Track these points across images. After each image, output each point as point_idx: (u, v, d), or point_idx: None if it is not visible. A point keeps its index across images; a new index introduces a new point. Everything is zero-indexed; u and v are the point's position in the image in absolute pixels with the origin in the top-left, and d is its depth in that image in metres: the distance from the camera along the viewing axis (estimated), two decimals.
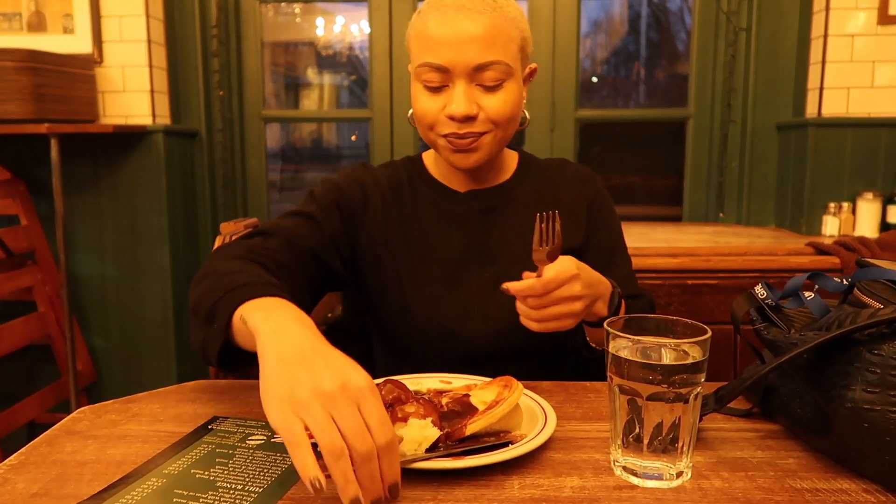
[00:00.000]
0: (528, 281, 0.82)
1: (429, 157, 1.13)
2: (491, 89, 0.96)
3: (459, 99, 0.95)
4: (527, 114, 1.07)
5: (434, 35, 0.94)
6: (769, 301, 0.81)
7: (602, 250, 1.11)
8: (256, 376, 1.09)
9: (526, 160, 1.15)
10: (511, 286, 0.82)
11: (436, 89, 0.97)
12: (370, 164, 1.14)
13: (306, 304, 1.01)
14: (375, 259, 1.07)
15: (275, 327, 0.65)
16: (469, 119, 0.96)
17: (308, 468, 0.54)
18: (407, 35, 1.02)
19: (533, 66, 1.05)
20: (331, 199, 1.05)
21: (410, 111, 1.04)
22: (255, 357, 0.65)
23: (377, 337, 1.15)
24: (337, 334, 1.26)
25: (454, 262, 1.06)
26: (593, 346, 0.99)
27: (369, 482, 0.56)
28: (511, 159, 1.13)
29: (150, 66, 2.32)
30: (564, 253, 1.04)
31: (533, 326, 0.84)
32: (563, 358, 1.10)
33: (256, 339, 0.65)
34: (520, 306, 0.84)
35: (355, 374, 0.59)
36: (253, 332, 0.67)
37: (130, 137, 2.33)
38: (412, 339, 1.06)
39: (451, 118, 0.96)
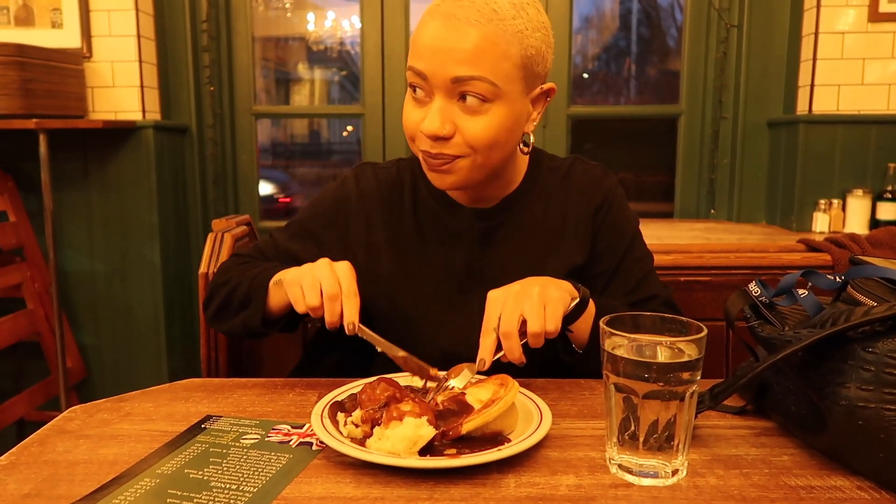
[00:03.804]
0: (483, 342, 0.82)
1: None
2: (472, 110, 0.89)
3: (433, 116, 0.89)
4: (531, 136, 0.98)
5: (421, 39, 0.89)
6: (763, 298, 0.81)
7: (611, 257, 1.05)
8: (250, 374, 1.09)
9: (536, 163, 1.07)
10: (484, 358, 0.82)
11: (420, 100, 0.92)
12: (367, 167, 1.09)
13: None
14: (365, 275, 1.01)
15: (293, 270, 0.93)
16: (441, 139, 0.90)
17: (299, 304, 0.88)
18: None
19: (547, 86, 0.96)
20: (309, 230, 1.08)
21: None
22: (284, 319, 1.00)
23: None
24: (334, 332, 1.24)
25: (454, 283, 1.03)
26: (573, 349, 0.96)
27: (330, 315, 0.85)
28: (521, 163, 1.06)
29: (140, 61, 2.30)
30: (569, 271, 1.03)
31: (533, 342, 0.82)
32: (566, 370, 1.03)
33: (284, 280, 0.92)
34: (507, 349, 0.82)
35: (340, 265, 0.89)
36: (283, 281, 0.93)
37: (120, 133, 2.31)
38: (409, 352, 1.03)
39: (424, 134, 0.90)
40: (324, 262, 0.89)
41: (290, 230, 1.10)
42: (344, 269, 0.88)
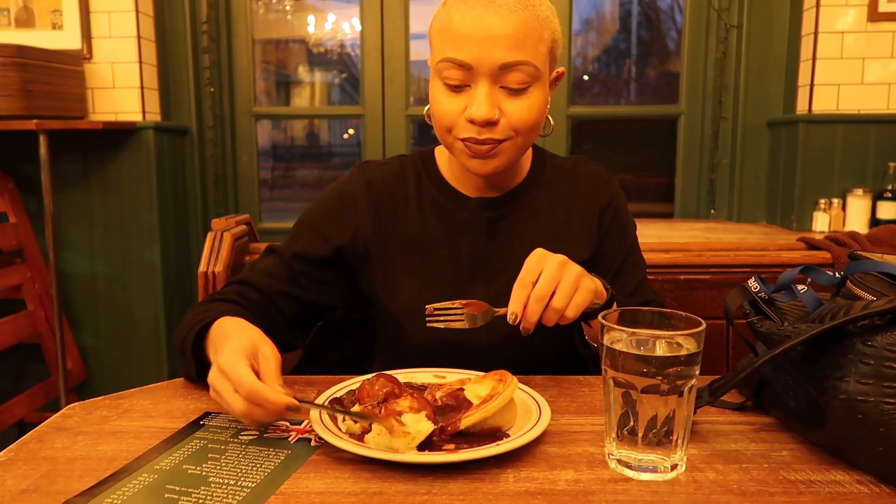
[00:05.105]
0: (518, 293, 0.82)
1: (441, 154, 1.07)
2: (515, 93, 0.91)
3: (481, 101, 0.90)
4: (551, 120, 1.00)
5: (459, 29, 0.89)
6: (762, 294, 0.81)
7: (614, 258, 1.07)
8: None
9: (540, 159, 1.09)
10: (517, 312, 0.82)
11: (457, 89, 0.92)
12: (370, 163, 1.09)
13: (281, 331, 1.01)
14: (372, 267, 1.04)
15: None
16: (490, 124, 0.91)
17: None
18: (429, 27, 0.97)
19: (560, 70, 1.00)
20: (315, 228, 1.05)
21: (427, 108, 0.99)
22: None
23: (378, 335, 1.13)
24: (334, 330, 1.24)
25: (460, 272, 1.03)
26: (590, 343, 0.97)
27: (266, 418, 0.74)
28: (525, 158, 1.08)
29: (140, 63, 2.30)
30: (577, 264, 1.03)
31: (549, 316, 0.82)
32: (567, 368, 1.04)
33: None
34: (531, 311, 0.82)
35: (226, 365, 0.74)
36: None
37: (120, 134, 2.32)
38: (413, 346, 1.03)
39: (471, 121, 0.91)
40: (213, 376, 0.76)
41: (293, 233, 1.07)
42: (231, 366, 0.74)
